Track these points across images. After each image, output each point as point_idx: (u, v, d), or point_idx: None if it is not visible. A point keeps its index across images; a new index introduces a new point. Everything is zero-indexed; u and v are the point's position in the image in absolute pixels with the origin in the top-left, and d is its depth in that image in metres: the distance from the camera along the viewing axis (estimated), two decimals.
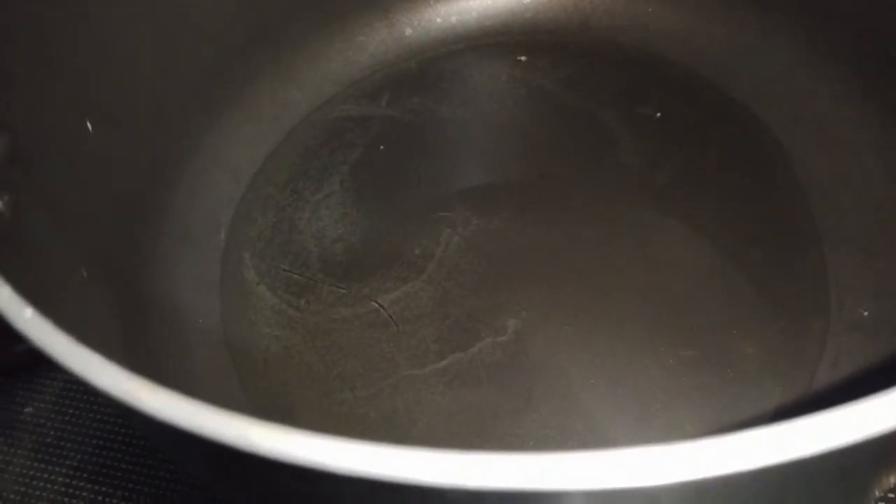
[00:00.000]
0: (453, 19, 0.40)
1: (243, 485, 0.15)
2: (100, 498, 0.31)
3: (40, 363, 0.36)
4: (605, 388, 0.28)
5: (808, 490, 0.17)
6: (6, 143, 0.23)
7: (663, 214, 0.32)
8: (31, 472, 0.33)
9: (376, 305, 0.31)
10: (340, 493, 0.12)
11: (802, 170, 0.33)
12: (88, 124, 0.27)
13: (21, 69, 0.25)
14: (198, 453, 0.15)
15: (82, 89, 0.28)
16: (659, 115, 0.35)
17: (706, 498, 0.14)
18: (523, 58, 0.38)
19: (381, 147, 0.36)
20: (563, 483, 0.11)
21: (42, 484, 0.32)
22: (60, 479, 0.32)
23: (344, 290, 0.31)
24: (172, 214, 0.33)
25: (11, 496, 0.32)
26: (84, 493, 0.32)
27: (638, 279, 0.31)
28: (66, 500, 0.32)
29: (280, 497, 0.15)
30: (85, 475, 0.32)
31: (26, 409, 0.35)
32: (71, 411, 0.34)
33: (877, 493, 0.26)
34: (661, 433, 0.27)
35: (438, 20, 0.40)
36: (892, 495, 0.28)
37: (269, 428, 0.12)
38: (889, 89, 0.32)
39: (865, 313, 0.29)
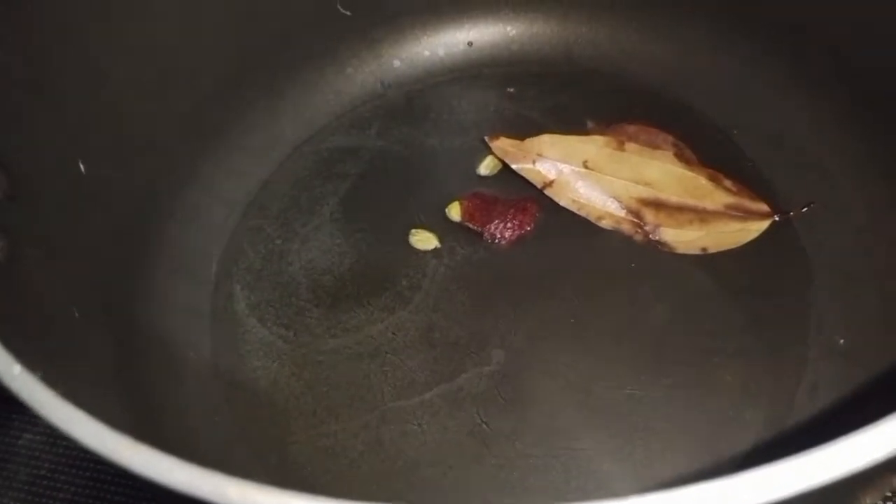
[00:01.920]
0: (440, 52, 0.40)
1: None
2: None
3: None
4: (588, 417, 0.29)
5: None
6: (4, 185, 0.23)
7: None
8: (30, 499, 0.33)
9: (364, 336, 0.31)
10: None
11: (785, 198, 0.34)
12: (81, 165, 0.28)
13: (17, 108, 0.26)
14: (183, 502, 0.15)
15: (76, 126, 0.29)
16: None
17: None
18: (512, 89, 0.39)
19: (370, 178, 0.37)
20: None
21: None
22: None
23: (332, 321, 0.32)
24: (165, 247, 0.33)
25: None
26: None
27: (620, 308, 0.31)
28: None
29: None
30: None
31: (20, 442, 0.35)
32: (64, 443, 0.34)
33: None
34: (644, 462, 0.28)
35: (426, 53, 0.40)
36: None
37: (243, 485, 0.12)
38: (867, 118, 0.33)
39: (842, 341, 0.29)
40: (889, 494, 0.28)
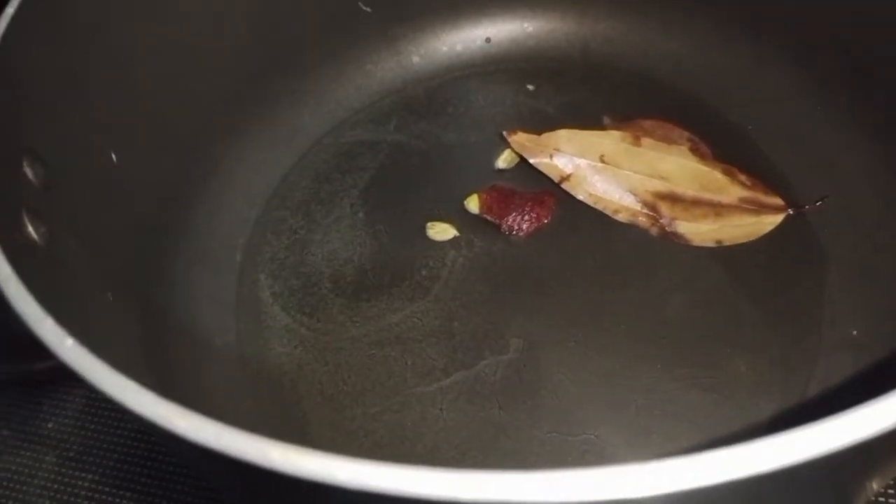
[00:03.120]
0: (458, 47, 0.41)
1: (262, 497, 0.17)
2: None
3: (65, 378, 0.37)
4: (604, 405, 0.29)
5: (796, 500, 0.18)
6: (42, 173, 0.24)
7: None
8: (55, 486, 0.34)
9: (385, 325, 0.32)
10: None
11: (799, 191, 0.34)
12: (113, 155, 0.28)
13: (52, 102, 0.27)
14: (222, 469, 0.16)
15: (108, 119, 0.30)
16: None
17: None
18: (531, 86, 0.39)
19: (390, 171, 0.38)
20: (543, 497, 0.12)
21: (66, 497, 0.34)
22: (83, 492, 0.34)
23: (354, 310, 0.33)
24: (191, 237, 0.34)
25: None
26: None
27: (636, 299, 0.32)
28: None
29: None
30: (107, 488, 0.34)
31: (49, 424, 0.36)
32: (92, 426, 0.36)
33: (862, 502, 0.27)
34: (658, 448, 0.28)
35: (444, 48, 0.41)
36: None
37: (286, 448, 0.13)
38: (880, 114, 0.33)
39: (855, 332, 0.30)
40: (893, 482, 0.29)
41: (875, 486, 0.26)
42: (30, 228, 0.22)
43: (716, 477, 0.13)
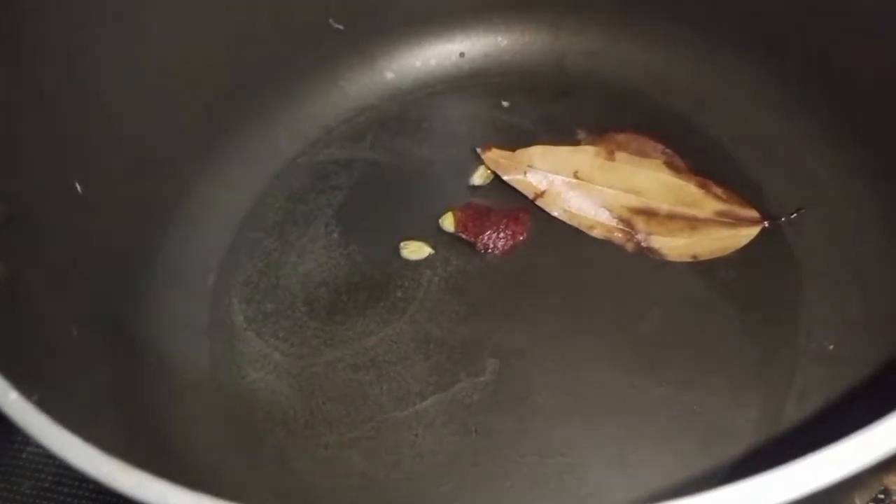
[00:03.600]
0: (433, 62, 0.41)
1: None
2: None
3: None
4: (580, 425, 0.29)
5: None
6: (1, 209, 0.24)
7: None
8: None
9: (360, 348, 0.32)
10: None
11: (774, 204, 0.34)
12: (78, 186, 0.28)
13: (11, 130, 0.27)
14: None
15: (71, 147, 0.29)
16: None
17: None
18: (506, 102, 0.39)
19: (364, 190, 0.37)
20: None
21: None
22: None
23: (329, 333, 0.32)
24: (162, 261, 0.34)
25: None
26: None
27: (612, 315, 0.32)
28: None
29: None
30: None
31: (23, 455, 0.36)
32: None
33: None
34: (636, 468, 0.28)
35: (418, 63, 0.41)
36: None
37: None
38: (854, 127, 0.33)
39: (831, 347, 0.30)
40: (880, 495, 0.29)
41: (858, 501, 0.26)
42: None
43: None
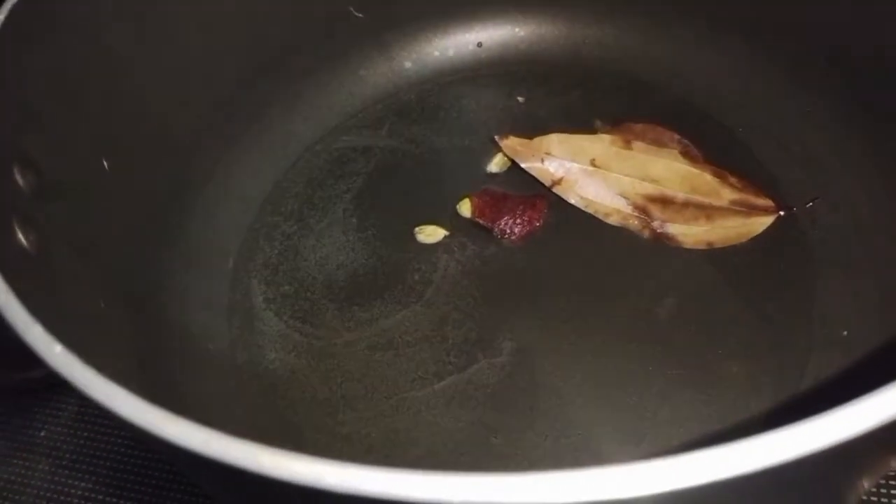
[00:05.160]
0: (450, 52, 0.41)
1: (252, 500, 0.17)
2: None
3: (58, 386, 0.37)
4: (596, 407, 0.29)
5: (788, 499, 0.18)
6: (33, 179, 0.24)
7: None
8: (48, 494, 0.34)
9: (378, 329, 0.32)
10: None
11: (788, 193, 0.34)
12: (105, 163, 0.28)
13: (46, 108, 0.27)
14: (214, 475, 0.16)
15: (100, 126, 0.30)
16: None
17: None
18: (522, 93, 0.40)
19: (382, 176, 0.38)
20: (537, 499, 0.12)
21: None
22: (76, 500, 0.34)
23: (347, 315, 0.33)
24: (184, 243, 0.34)
25: None
26: None
27: (628, 301, 0.32)
28: None
29: None
30: (100, 496, 0.33)
31: (42, 432, 0.36)
32: (85, 434, 0.36)
33: (853, 500, 0.27)
34: (651, 448, 0.28)
35: (436, 53, 0.41)
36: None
37: (276, 453, 0.13)
38: (868, 117, 0.33)
39: (845, 333, 0.30)
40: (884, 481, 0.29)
41: (866, 483, 0.26)
42: (20, 236, 0.22)
43: (706, 477, 0.13)
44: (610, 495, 0.13)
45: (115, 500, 0.33)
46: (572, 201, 0.35)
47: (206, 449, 0.13)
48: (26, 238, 0.22)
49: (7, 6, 0.24)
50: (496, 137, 0.37)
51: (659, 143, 0.36)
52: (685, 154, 0.35)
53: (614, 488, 0.13)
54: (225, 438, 0.13)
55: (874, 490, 0.29)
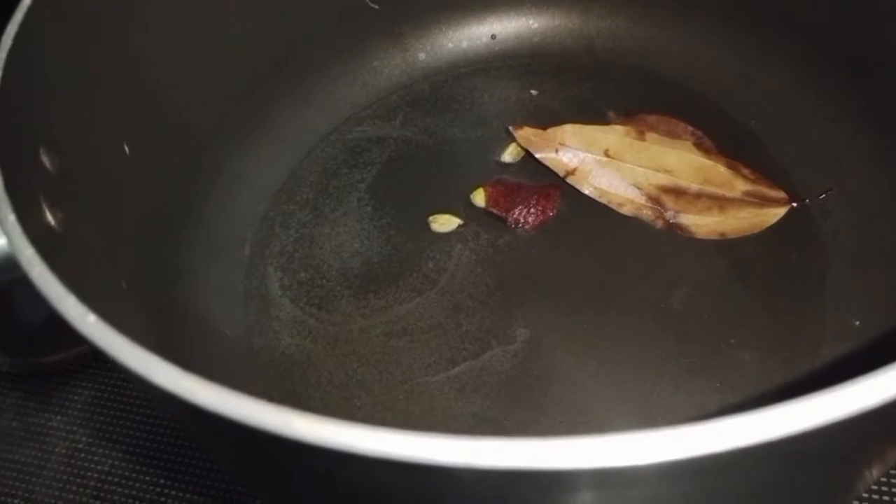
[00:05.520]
0: (464, 44, 0.42)
1: (275, 470, 0.17)
2: (129, 501, 0.33)
3: (73, 372, 0.37)
4: (610, 394, 0.30)
5: (794, 483, 0.18)
6: (58, 162, 0.25)
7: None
8: (64, 478, 0.34)
9: (392, 316, 0.33)
10: (366, 473, 0.14)
11: (800, 185, 0.35)
12: (126, 147, 0.29)
13: (68, 94, 0.27)
14: (240, 441, 0.16)
15: (121, 112, 0.30)
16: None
17: (704, 478, 0.15)
18: (536, 85, 0.40)
19: (396, 166, 0.38)
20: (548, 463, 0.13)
21: (74, 489, 0.34)
22: (92, 483, 0.34)
23: (362, 302, 0.33)
24: (201, 230, 0.35)
25: (46, 499, 0.34)
26: (115, 497, 0.33)
27: (641, 290, 0.32)
28: (97, 503, 0.33)
29: (310, 481, 0.17)
30: (115, 479, 0.34)
31: (58, 417, 0.37)
32: (101, 419, 0.36)
33: (861, 490, 0.27)
34: None
35: (450, 45, 0.42)
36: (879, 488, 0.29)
37: (307, 417, 0.13)
38: (879, 111, 0.34)
39: (857, 323, 0.30)
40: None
41: (874, 473, 0.26)
42: (48, 214, 0.22)
43: (714, 447, 0.13)
44: (623, 462, 0.13)
45: (131, 482, 0.34)
46: (586, 191, 0.35)
47: (239, 413, 0.14)
48: (54, 217, 0.22)
49: None
50: (510, 128, 0.38)
51: (672, 135, 0.36)
52: (698, 145, 0.36)
53: (627, 455, 0.13)
54: (258, 403, 0.14)
55: (882, 482, 0.29)
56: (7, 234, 0.18)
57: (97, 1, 0.29)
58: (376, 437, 0.13)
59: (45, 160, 0.24)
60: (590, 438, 0.13)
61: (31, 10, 0.25)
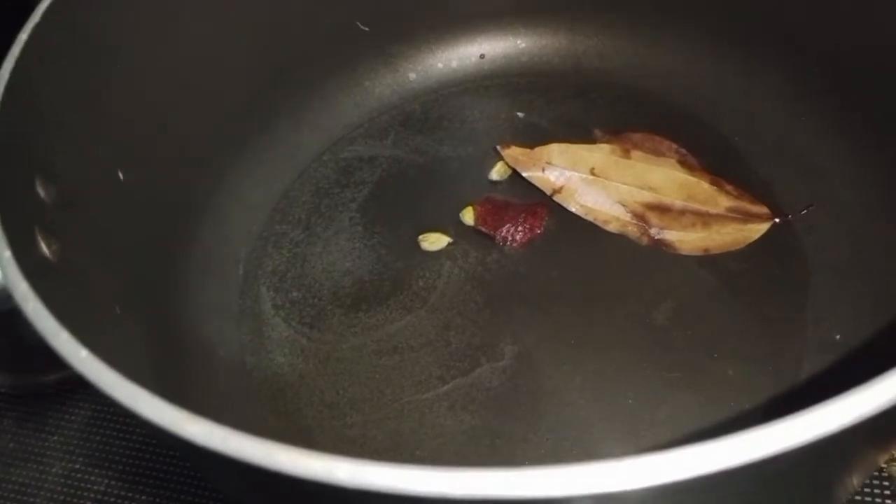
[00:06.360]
0: (454, 64, 0.42)
1: (266, 493, 0.18)
2: None
3: (70, 391, 0.38)
4: (596, 409, 0.30)
5: (778, 496, 0.19)
6: (54, 192, 0.25)
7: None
8: (61, 497, 0.35)
9: (383, 334, 0.33)
10: (352, 501, 0.15)
11: (784, 200, 0.35)
12: (120, 174, 0.29)
13: (64, 123, 0.28)
14: (227, 471, 0.17)
15: (117, 138, 0.31)
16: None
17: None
18: (524, 105, 0.41)
19: (387, 185, 0.39)
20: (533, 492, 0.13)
21: None
22: (89, 503, 0.34)
23: (353, 320, 0.34)
24: (195, 250, 0.35)
25: None
26: None
27: (627, 306, 0.33)
28: None
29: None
30: (112, 499, 0.34)
31: (54, 437, 0.37)
32: (97, 438, 0.36)
33: (843, 498, 0.28)
34: (648, 449, 0.29)
35: (440, 65, 0.42)
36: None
37: (291, 450, 0.14)
38: (863, 127, 0.34)
39: (838, 337, 0.31)
40: (877, 474, 0.30)
41: (856, 481, 0.27)
42: (43, 245, 0.23)
43: (693, 471, 0.14)
44: (602, 489, 0.14)
45: (126, 503, 0.34)
46: (572, 209, 0.36)
47: (225, 447, 0.14)
48: (48, 248, 0.23)
49: (29, 26, 0.26)
50: (498, 147, 0.38)
51: (657, 152, 0.37)
52: (682, 162, 0.36)
53: (606, 482, 0.14)
54: (242, 436, 0.14)
55: (865, 488, 0.30)
56: (3, 269, 0.19)
57: (94, 27, 0.30)
58: (357, 470, 0.13)
59: (41, 190, 0.24)
60: (571, 467, 0.13)
61: (28, 42, 0.26)
